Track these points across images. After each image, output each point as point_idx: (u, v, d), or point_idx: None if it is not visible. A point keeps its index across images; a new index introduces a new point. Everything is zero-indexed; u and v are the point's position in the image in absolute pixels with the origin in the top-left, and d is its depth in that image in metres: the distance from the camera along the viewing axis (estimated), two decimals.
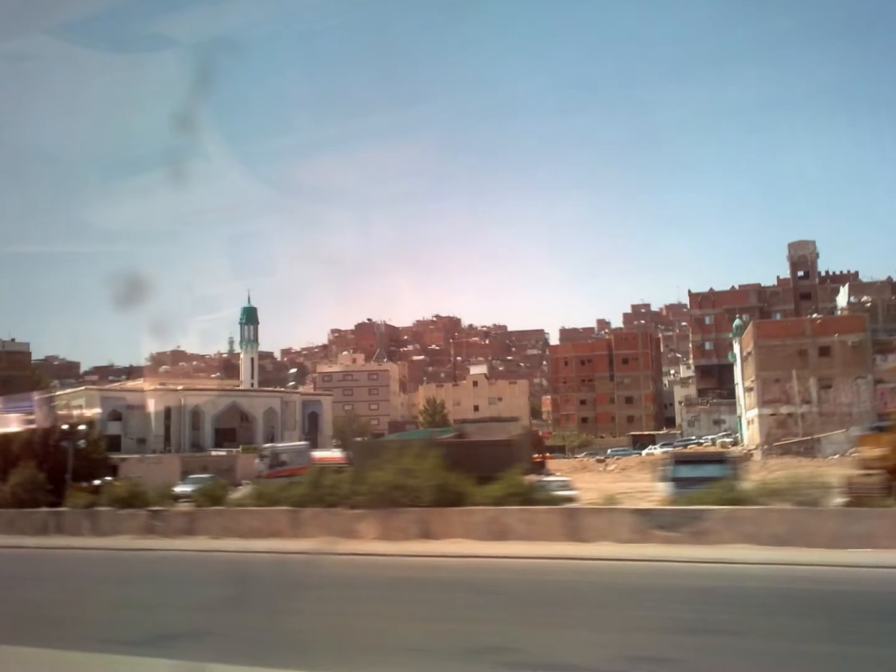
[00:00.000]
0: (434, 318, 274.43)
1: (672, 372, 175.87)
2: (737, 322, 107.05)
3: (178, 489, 41.79)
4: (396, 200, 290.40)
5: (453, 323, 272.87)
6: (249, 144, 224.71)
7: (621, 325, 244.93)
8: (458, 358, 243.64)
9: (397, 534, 25.74)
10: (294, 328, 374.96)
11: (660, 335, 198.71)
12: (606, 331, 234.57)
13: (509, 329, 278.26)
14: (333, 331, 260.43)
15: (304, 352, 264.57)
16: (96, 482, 41.93)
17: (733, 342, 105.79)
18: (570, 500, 30.38)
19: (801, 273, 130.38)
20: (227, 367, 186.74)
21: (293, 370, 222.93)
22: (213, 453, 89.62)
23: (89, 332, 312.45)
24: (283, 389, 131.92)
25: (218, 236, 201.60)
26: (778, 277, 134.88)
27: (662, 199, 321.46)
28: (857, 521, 21.43)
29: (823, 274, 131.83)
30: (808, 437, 79.22)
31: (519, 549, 23.11)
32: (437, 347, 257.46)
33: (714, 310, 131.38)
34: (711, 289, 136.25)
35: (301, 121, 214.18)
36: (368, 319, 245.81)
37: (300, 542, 25.73)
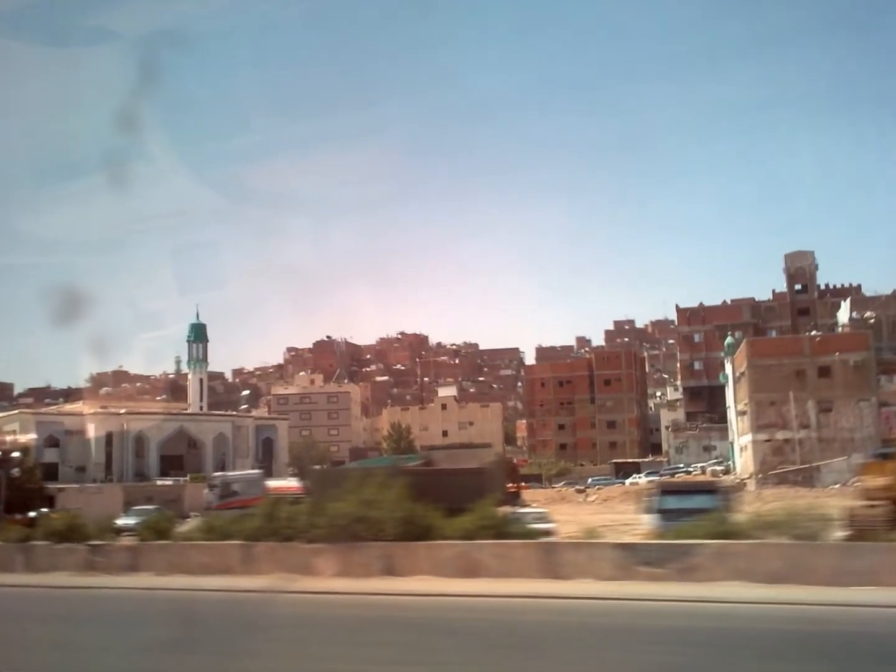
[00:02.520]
0: (399, 336, 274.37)
1: (658, 394, 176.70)
2: (729, 340, 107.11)
3: (121, 522, 41.62)
4: (359, 207, 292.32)
5: (420, 341, 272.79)
6: (198, 147, 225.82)
7: (603, 344, 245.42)
8: (426, 379, 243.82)
9: (359, 570, 25.70)
10: (247, 346, 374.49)
11: (645, 354, 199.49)
12: (587, 349, 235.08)
13: (481, 347, 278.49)
14: (289, 349, 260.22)
15: (258, 372, 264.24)
16: (31, 514, 41.83)
17: (725, 362, 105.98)
18: (547, 533, 30.45)
19: (798, 286, 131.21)
20: (174, 388, 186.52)
21: (246, 392, 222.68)
22: (159, 483, 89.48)
23: (23, 350, 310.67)
24: (234, 413, 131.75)
25: (163, 246, 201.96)
26: (773, 291, 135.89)
27: (649, 207, 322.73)
28: (860, 557, 21.49)
29: (823, 287, 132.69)
30: (807, 465, 79.42)
31: (491, 586, 23.10)
32: (403, 367, 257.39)
33: (704, 326, 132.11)
34: (701, 303, 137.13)
35: (255, 121, 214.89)
36: (328, 337, 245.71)
37: (253, 580, 25.66)
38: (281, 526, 28.39)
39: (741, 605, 19.46)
